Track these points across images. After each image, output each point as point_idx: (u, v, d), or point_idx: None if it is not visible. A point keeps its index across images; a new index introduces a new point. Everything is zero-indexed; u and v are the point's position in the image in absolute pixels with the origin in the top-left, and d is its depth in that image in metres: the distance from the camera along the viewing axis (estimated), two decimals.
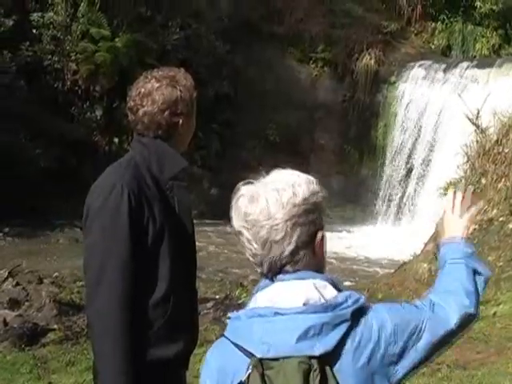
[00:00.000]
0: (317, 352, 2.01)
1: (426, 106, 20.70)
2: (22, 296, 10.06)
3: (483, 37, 23.87)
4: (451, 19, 24.13)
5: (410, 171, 20.84)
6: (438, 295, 2.32)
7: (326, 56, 23.25)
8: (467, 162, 12.65)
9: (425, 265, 10.87)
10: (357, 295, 2.14)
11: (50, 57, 20.42)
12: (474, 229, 11.52)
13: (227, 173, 20.85)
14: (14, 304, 9.69)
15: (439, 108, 20.03)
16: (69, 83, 20.74)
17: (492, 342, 8.43)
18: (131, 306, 3.11)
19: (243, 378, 2.01)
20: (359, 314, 2.11)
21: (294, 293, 2.10)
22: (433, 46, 24.29)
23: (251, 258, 2.18)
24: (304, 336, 2.02)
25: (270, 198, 2.13)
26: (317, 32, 23.39)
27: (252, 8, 23.45)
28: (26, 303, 9.84)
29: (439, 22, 24.30)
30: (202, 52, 21.76)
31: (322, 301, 2.08)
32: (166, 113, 3.28)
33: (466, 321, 2.29)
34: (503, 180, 11.84)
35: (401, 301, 2.37)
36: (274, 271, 2.17)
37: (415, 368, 2.20)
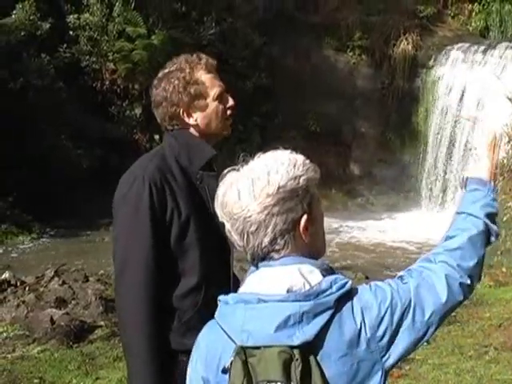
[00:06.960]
0: (296, 342, 1.94)
1: (466, 89, 20.49)
2: (69, 294, 10.14)
3: None
4: (488, 0, 23.79)
5: (451, 155, 20.67)
6: (439, 256, 2.22)
7: (363, 43, 23.12)
8: (508, 142, 12.52)
9: None
10: (344, 279, 2.04)
11: (87, 57, 20.66)
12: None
13: None
14: (60, 303, 9.78)
15: (479, 90, 19.81)
16: (107, 83, 20.96)
17: None
18: (155, 297, 3.10)
19: (227, 365, 1.96)
20: (345, 299, 2.02)
21: (278, 279, 2.03)
22: (470, 28, 23.95)
23: (237, 247, 2.14)
24: (283, 325, 1.95)
25: (242, 188, 2.07)
26: (353, 20, 23.27)
27: None
28: (73, 301, 9.92)
29: (476, 4, 23.95)
30: (238, 45, 21.81)
31: (307, 287, 2.00)
32: (165, 105, 3.34)
33: (466, 292, 2.18)
34: None
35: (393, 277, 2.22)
36: (258, 260, 2.11)
37: (411, 349, 2.10)
